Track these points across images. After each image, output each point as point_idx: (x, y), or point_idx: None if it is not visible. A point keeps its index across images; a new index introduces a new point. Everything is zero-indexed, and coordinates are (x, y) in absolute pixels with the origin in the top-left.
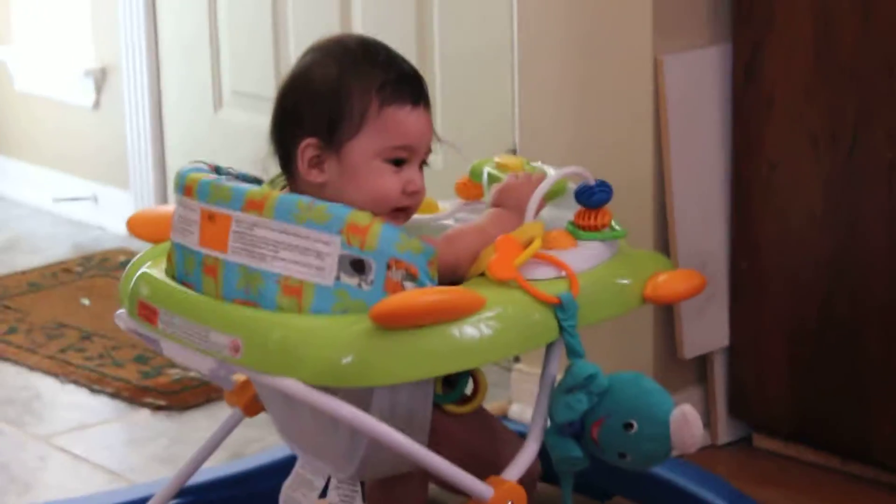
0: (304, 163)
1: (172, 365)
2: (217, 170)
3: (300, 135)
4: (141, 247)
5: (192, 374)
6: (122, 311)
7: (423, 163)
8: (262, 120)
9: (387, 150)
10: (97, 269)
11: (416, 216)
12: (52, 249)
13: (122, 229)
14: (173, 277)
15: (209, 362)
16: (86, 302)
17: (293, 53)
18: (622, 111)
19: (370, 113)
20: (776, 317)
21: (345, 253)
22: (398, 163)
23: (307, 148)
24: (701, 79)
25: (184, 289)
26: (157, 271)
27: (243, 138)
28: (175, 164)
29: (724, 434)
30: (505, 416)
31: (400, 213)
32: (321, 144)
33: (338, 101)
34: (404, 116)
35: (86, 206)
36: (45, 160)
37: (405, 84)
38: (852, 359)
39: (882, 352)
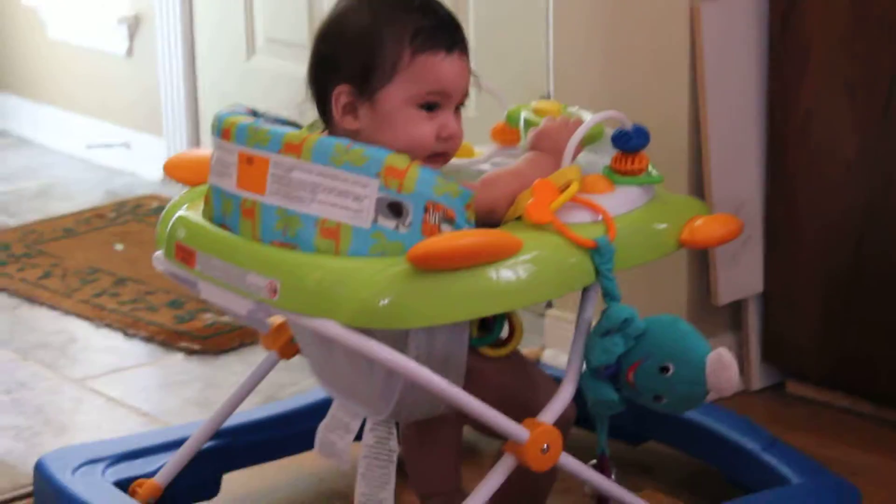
0: (338, 109)
1: (206, 309)
2: (254, 113)
3: (335, 81)
4: (174, 193)
5: (225, 318)
6: (159, 252)
7: (459, 107)
8: (295, 67)
9: (419, 97)
10: (130, 215)
11: (452, 160)
12: (86, 195)
13: (154, 176)
14: (210, 220)
15: (247, 304)
16: (119, 247)
17: (326, 1)
18: (658, 58)
19: (402, 61)
20: (810, 264)
21: (382, 195)
22: (431, 108)
23: (341, 95)
24: (737, 26)
25: (221, 231)
26: (195, 214)
27: (276, 86)
28: (208, 112)
29: (758, 380)
30: (538, 362)
31: (437, 157)
32: (354, 91)
33: (371, 48)
34: (437, 63)
35: (118, 152)
36: (78, 107)
37: (439, 31)
38: (885, 305)
39: None
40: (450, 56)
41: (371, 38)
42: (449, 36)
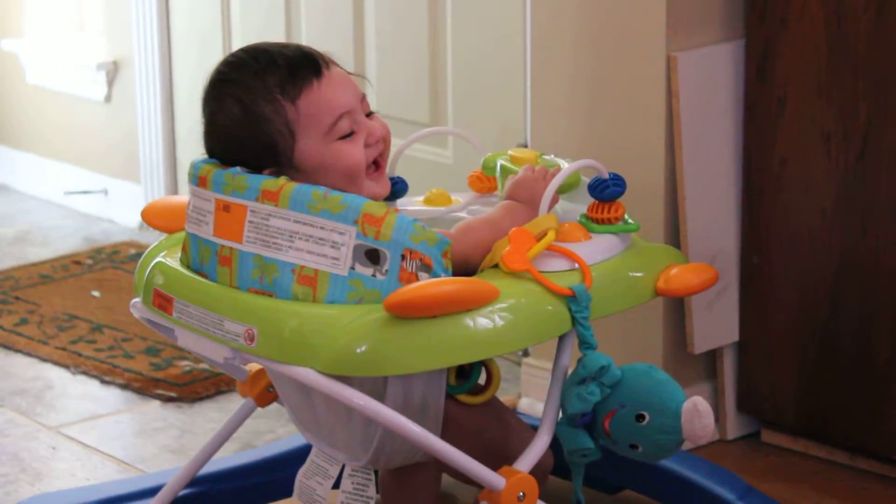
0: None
1: (183, 357)
2: None
3: (257, 169)
4: (152, 240)
5: (202, 365)
6: (136, 300)
7: (369, 113)
8: None
9: (329, 134)
10: (108, 262)
11: (429, 208)
12: (63, 242)
13: (132, 222)
14: (188, 267)
15: (224, 351)
16: (96, 294)
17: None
18: (635, 108)
19: (290, 116)
20: (786, 313)
21: (360, 243)
22: (349, 135)
23: (270, 175)
24: (714, 76)
25: (199, 278)
26: (173, 261)
27: None
28: (186, 159)
29: (733, 429)
30: (515, 410)
31: (376, 164)
32: (276, 170)
33: (258, 131)
34: (318, 94)
35: (96, 199)
36: (56, 153)
37: (298, 69)
38: (861, 355)
39: (890, 348)
40: (322, 80)
41: (251, 122)
42: (308, 67)
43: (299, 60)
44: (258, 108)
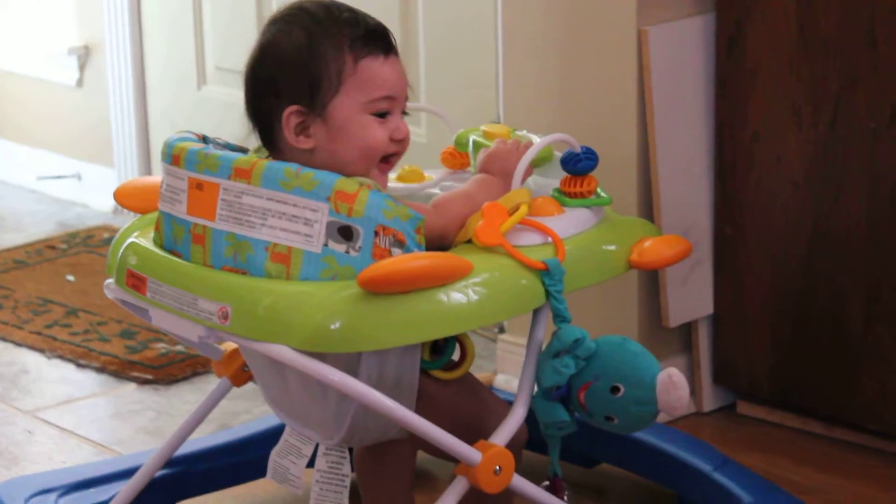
0: (290, 131)
1: (158, 339)
2: (204, 139)
3: (280, 105)
4: (126, 223)
5: (177, 347)
6: (110, 281)
7: (403, 112)
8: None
9: (370, 104)
10: (81, 246)
11: (402, 185)
12: (37, 227)
13: (105, 206)
14: (161, 247)
15: (198, 330)
16: (71, 278)
17: None
18: (607, 82)
19: (347, 69)
20: (759, 285)
21: (332, 220)
22: (383, 115)
23: (291, 116)
24: (685, 49)
25: (172, 257)
26: (146, 241)
27: (227, 115)
28: (159, 142)
29: (709, 402)
30: (491, 387)
31: (390, 159)
32: (304, 110)
33: (313, 64)
34: (379, 67)
35: (69, 183)
36: (28, 139)
37: (374, 37)
38: (834, 325)
39: (863, 318)
40: (388, 59)
41: (311, 54)
42: (383, 41)
43: (377, 32)
44: (323, 46)
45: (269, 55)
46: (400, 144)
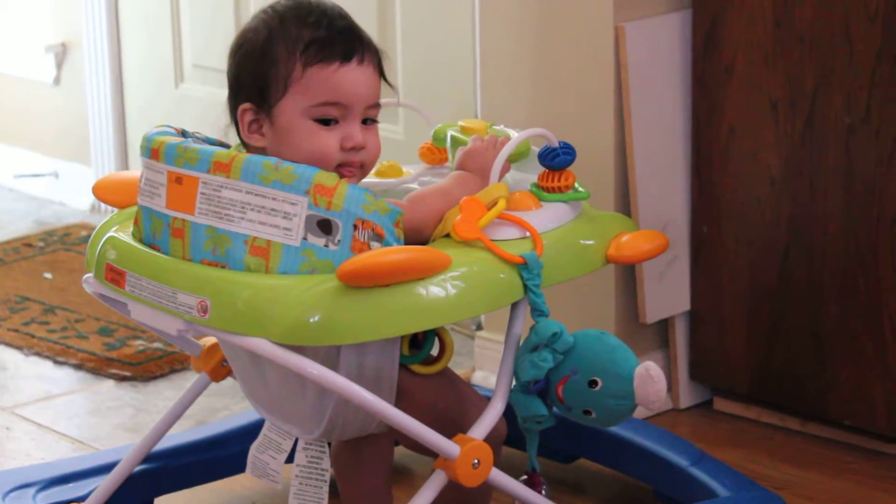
0: (243, 127)
1: (136, 336)
2: (183, 133)
3: (240, 100)
4: (104, 219)
5: (155, 344)
6: (89, 275)
7: (371, 120)
8: (224, 94)
9: (312, 109)
10: (59, 244)
11: (380, 180)
12: (14, 225)
13: (83, 205)
14: (140, 241)
15: (177, 323)
16: (48, 276)
17: None
18: (584, 78)
19: (294, 74)
20: (736, 281)
21: (311, 213)
22: (327, 122)
23: (245, 112)
24: (661, 45)
25: (151, 251)
26: (125, 235)
27: (205, 112)
28: (137, 140)
29: (686, 398)
30: (469, 383)
31: (346, 169)
32: (255, 108)
33: (265, 64)
34: (330, 74)
35: (47, 181)
36: (5, 137)
37: (333, 42)
38: (811, 321)
39: (839, 314)
40: (345, 66)
41: (265, 55)
42: (344, 46)
43: (340, 37)
44: (277, 48)
45: (236, 50)
46: (354, 153)
